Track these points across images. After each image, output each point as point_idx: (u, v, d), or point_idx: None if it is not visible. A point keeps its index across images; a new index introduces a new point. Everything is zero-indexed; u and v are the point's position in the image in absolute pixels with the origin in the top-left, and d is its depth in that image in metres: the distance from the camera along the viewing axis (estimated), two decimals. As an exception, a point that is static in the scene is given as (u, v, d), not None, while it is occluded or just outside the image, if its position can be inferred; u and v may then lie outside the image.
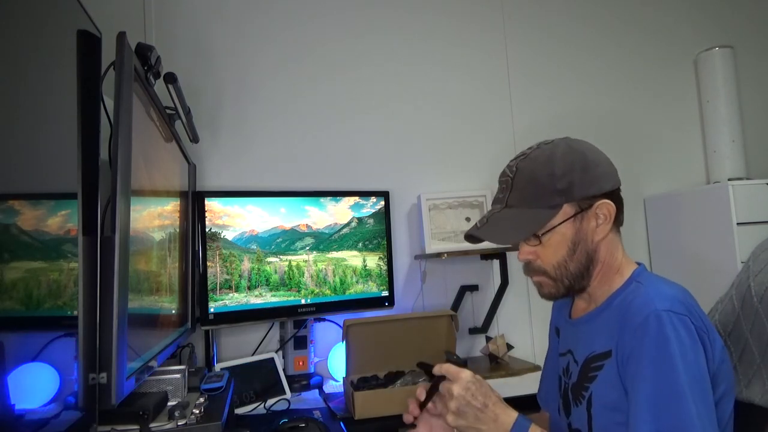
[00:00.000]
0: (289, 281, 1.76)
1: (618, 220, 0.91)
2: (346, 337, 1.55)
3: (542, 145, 0.92)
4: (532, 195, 0.88)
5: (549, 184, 0.87)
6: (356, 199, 1.88)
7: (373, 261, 1.88)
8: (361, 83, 2.05)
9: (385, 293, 1.89)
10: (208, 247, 1.66)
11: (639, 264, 0.94)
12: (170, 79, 1.27)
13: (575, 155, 0.89)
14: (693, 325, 0.79)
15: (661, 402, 0.75)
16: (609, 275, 0.92)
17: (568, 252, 0.89)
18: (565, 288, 0.91)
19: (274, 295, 1.74)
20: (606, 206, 0.89)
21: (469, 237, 0.96)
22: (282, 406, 1.57)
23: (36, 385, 0.71)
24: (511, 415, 0.87)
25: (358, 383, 1.58)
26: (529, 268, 0.93)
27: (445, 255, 1.83)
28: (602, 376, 0.85)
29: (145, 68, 1.04)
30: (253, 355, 1.78)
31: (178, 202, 1.48)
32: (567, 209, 0.88)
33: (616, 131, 2.23)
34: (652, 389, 0.76)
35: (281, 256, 1.76)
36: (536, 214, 0.88)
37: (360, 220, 1.88)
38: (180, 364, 1.36)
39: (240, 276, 1.69)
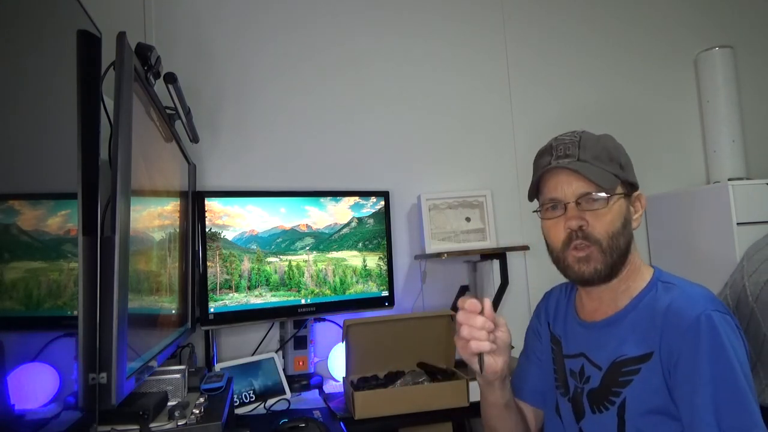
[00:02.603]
0: (289, 281, 1.76)
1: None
2: (346, 337, 1.55)
3: (585, 131, 0.93)
4: (604, 157, 0.89)
5: (615, 155, 0.90)
6: (356, 199, 1.88)
7: (373, 261, 1.88)
8: (361, 83, 2.05)
9: (385, 293, 1.89)
10: (208, 247, 1.66)
11: (653, 266, 0.94)
12: (170, 79, 1.27)
13: (620, 145, 0.94)
14: (734, 323, 0.81)
15: (725, 403, 0.75)
16: (633, 271, 0.91)
17: (621, 225, 0.88)
18: (610, 266, 0.87)
19: (274, 295, 1.74)
20: (642, 199, 0.93)
21: (537, 181, 0.91)
22: (282, 406, 1.57)
23: (36, 385, 0.71)
24: None
25: (358, 383, 1.58)
26: (579, 236, 0.87)
27: (445, 255, 1.83)
28: (639, 380, 0.83)
29: (145, 68, 1.04)
30: (253, 355, 1.78)
31: (178, 202, 1.48)
32: (620, 186, 0.90)
33: (616, 131, 2.20)
34: (713, 391, 0.75)
35: (281, 256, 1.76)
36: (609, 176, 0.88)
37: (360, 220, 1.88)
38: (180, 364, 1.36)
39: (240, 276, 1.69)
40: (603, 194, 0.86)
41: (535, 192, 0.95)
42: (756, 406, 0.75)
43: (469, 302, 0.86)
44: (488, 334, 0.85)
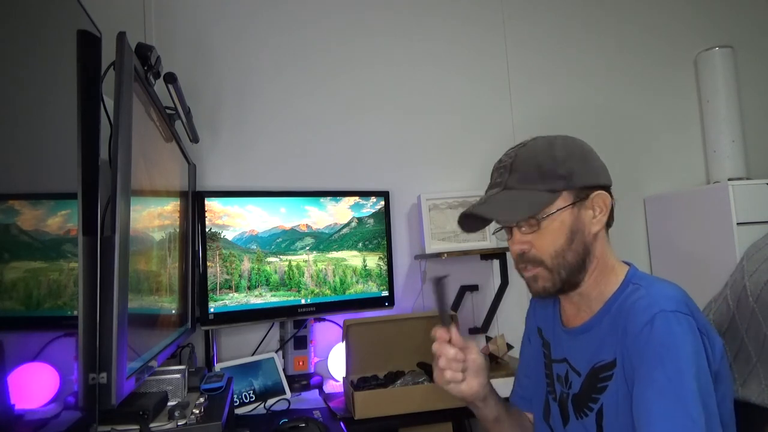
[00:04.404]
0: (289, 281, 1.76)
1: (610, 218, 0.91)
2: (346, 337, 1.55)
3: (539, 138, 0.91)
4: (533, 177, 0.86)
5: (551, 168, 0.86)
6: (356, 199, 1.88)
7: (373, 261, 1.88)
8: (361, 83, 2.05)
9: (385, 293, 1.89)
10: (208, 247, 1.66)
11: (629, 264, 0.92)
12: (170, 79, 1.27)
13: (575, 146, 0.90)
14: (696, 325, 0.78)
15: (670, 406, 0.73)
16: (604, 274, 0.89)
17: (566, 240, 0.86)
18: (561, 281, 0.87)
19: (274, 295, 1.74)
20: (603, 197, 0.88)
21: (465, 219, 0.93)
22: (282, 406, 1.57)
23: (36, 385, 0.71)
24: None
25: (358, 383, 1.58)
26: (524, 259, 0.89)
27: (445, 255, 1.83)
28: (613, 386, 0.82)
29: (145, 68, 1.04)
30: (253, 355, 1.78)
31: (178, 202, 1.48)
32: (566, 196, 0.86)
33: (617, 131, 2.23)
34: (661, 393, 0.73)
35: (281, 256, 1.76)
36: (537, 197, 0.86)
37: (360, 220, 1.88)
38: (180, 364, 1.36)
39: (240, 276, 1.69)
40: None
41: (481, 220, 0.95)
42: (701, 412, 0.71)
43: (438, 332, 0.93)
44: (460, 363, 0.91)
